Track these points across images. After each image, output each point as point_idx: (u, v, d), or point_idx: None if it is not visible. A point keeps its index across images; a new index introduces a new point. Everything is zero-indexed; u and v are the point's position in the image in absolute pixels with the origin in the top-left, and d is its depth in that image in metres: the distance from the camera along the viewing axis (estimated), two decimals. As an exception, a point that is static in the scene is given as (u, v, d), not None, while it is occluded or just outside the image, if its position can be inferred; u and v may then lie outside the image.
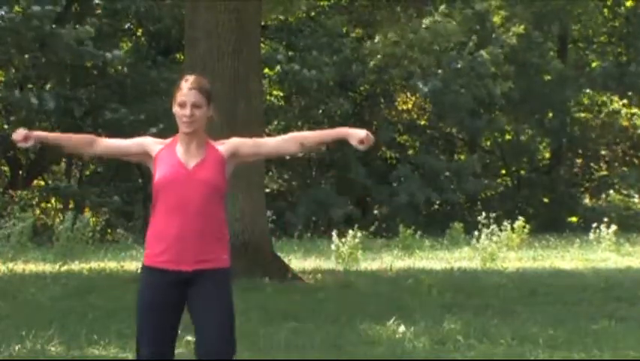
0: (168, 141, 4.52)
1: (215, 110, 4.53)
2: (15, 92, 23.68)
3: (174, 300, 4.39)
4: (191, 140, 4.43)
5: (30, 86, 25.58)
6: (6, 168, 28.32)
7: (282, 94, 29.85)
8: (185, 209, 4.34)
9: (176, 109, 4.44)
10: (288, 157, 4.92)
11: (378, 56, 26.31)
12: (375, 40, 26.07)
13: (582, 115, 32.88)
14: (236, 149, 4.50)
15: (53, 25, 23.42)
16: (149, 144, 4.52)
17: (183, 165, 4.39)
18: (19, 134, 4.47)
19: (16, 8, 22.94)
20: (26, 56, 24.63)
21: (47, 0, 23.05)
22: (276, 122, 29.10)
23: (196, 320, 4.39)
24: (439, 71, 27.54)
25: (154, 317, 4.39)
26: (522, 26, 28.15)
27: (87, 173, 30.13)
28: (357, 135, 4.46)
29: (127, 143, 4.57)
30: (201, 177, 4.37)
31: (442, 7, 25.12)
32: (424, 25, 24.14)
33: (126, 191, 27.84)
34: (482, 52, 27.54)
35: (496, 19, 28.09)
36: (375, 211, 28.49)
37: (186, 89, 4.43)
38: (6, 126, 27.34)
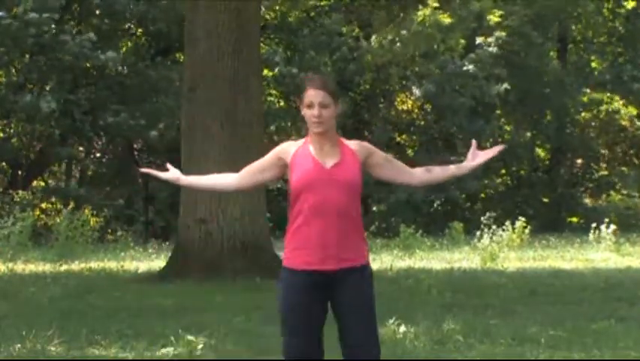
0: (300, 142, 4.47)
1: (341, 105, 4.48)
2: (15, 94, 23.63)
3: (318, 300, 4.37)
4: (323, 139, 4.38)
5: (30, 86, 25.58)
6: (6, 168, 28.33)
7: (281, 94, 29.84)
8: (327, 210, 4.30)
9: (304, 110, 4.38)
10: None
11: (375, 55, 26.27)
12: (372, 40, 26.05)
13: (582, 115, 32.88)
14: (369, 154, 4.47)
15: (53, 26, 23.35)
16: (282, 150, 4.48)
17: (321, 165, 4.35)
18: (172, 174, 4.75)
19: (15, 10, 22.78)
20: (27, 55, 24.61)
21: (45, 7, 22.87)
22: (276, 123, 29.10)
23: (342, 320, 4.38)
24: (435, 70, 27.50)
25: (299, 319, 4.35)
26: (515, 21, 28.02)
27: (89, 173, 30.14)
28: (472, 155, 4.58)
29: (264, 160, 4.54)
30: (341, 177, 4.34)
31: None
32: (416, 19, 24.06)
33: (127, 192, 27.85)
34: (472, 55, 27.51)
35: (492, 17, 28.04)
36: (374, 209, 28.50)
37: (312, 89, 4.36)
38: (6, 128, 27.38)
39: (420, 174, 4.56)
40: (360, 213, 4.45)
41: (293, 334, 4.37)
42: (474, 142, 4.62)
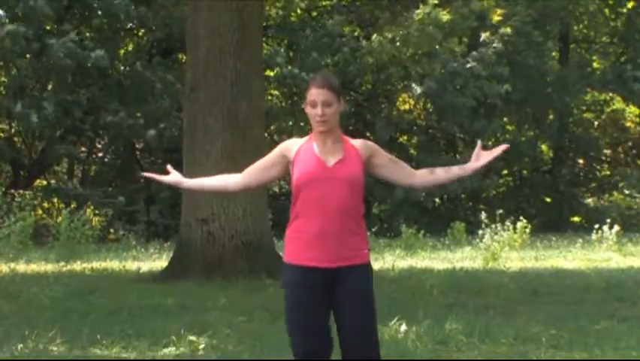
0: (304, 139, 4.49)
1: (345, 103, 4.50)
2: (14, 98, 23.55)
3: (320, 297, 4.34)
4: (326, 137, 4.40)
5: (31, 87, 25.55)
6: (8, 168, 28.34)
7: (282, 94, 29.81)
8: (327, 207, 4.30)
9: (308, 109, 4.41)
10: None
11: (375, 55, 26.26)
12: (373, 39, 26.04)
13: (584, 115, 32.85)
14: (372, 154, 4.47)
15: (54, 26, 23.27)
16: (286, 147, 4.49)
17: (323, 163, 4.35)
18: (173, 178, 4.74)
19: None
20: (28, 55, 24.58)
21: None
22: (277, 123, 29.08)
23: (340, 320, 4.36)
24: (440, 70, 27.46)
25: (304, 316, 4.33)
26: (517, 21, 27.95)
27: (91, 173, 30.15)
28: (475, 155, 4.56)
29: (268, 158, 4.55)
30: (342, 175, 4.34)
31: None
32: (416, 17, 24.02)
33: (129, 192, 27.84)
34: (475, 53, 27.47)
35: (494, 16, 28.03)
36: (375, 210, 28.48)
37: (315, 88, 4.39)
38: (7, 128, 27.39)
39: (422, 176, 4.55)
40: (362, 212, 4.43)
41: (297, 332, 4.35)
42: (479, 142, 4.59)
